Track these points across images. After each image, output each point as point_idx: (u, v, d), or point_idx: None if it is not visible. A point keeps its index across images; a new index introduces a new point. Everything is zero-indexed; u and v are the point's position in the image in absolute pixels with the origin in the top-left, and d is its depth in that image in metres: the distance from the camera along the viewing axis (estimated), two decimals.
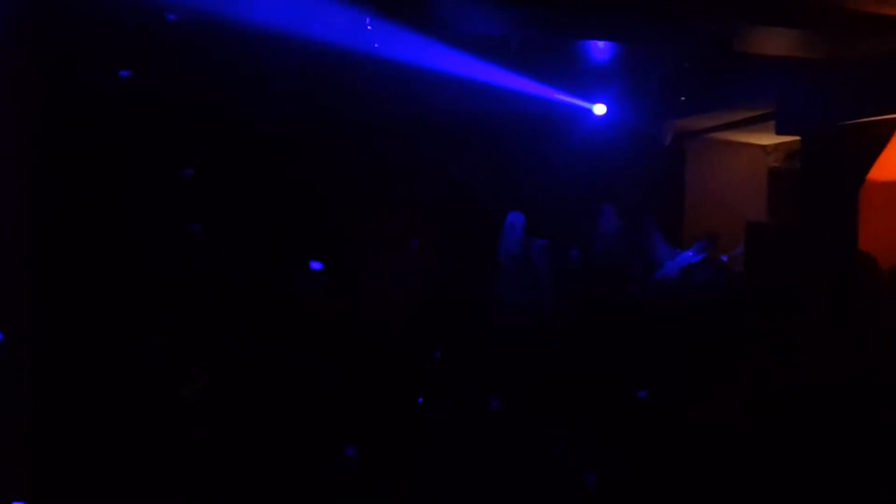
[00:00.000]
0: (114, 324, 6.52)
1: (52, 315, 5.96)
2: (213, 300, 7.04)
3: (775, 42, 6.08)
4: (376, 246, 7.88)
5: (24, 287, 5.60)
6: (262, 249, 7.48)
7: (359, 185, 8.21)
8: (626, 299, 7.85)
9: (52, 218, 6.06)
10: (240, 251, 7.32)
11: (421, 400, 6.79)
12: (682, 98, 7.92)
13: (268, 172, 7.72)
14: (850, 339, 6.40)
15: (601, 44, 7.05)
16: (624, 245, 8.62)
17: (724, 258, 8.19)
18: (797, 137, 7.80)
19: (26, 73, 5.68)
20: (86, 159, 6.57)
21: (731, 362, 6.72)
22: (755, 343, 6.94)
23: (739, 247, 8.20)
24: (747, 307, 7.21)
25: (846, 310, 6.40)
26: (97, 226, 6.59)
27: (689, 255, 8.19)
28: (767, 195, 9.04)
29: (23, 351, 5.49)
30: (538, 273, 8.17)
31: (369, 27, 6.41)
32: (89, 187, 6.57)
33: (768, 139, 8.81)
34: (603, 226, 8.75)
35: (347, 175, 8.14)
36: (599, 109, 8.52)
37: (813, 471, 5.70)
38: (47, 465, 5.44)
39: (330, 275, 7.48)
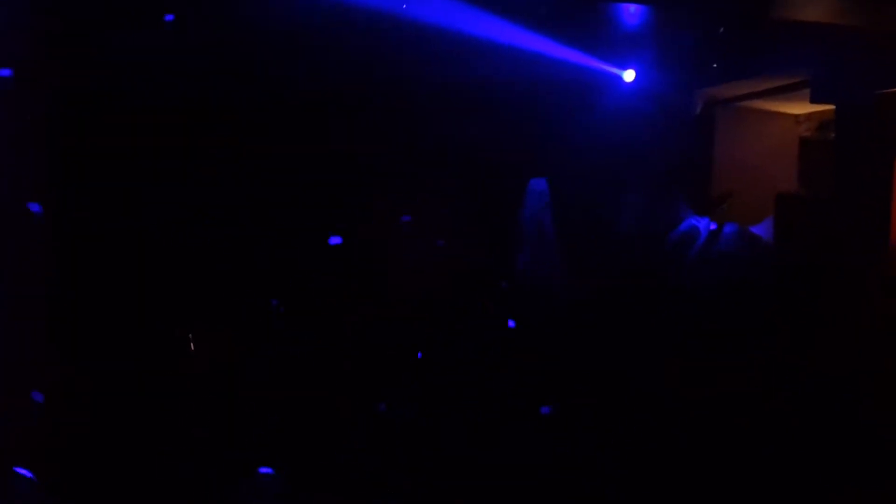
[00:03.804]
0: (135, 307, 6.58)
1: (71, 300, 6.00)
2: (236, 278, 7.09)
3: (813, 8, 5.95)
4: (397, 216, 7.85)
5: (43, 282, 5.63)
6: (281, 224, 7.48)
7: (380, 153, 8.15)
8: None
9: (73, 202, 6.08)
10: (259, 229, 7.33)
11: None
12: (714, 65, 7.76)
13: (292, 142, 7.68)
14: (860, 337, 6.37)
15: (632, 7, 6.92)
16: (649, 214, 8.52)
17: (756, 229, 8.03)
18: (830, 107, 7.67)
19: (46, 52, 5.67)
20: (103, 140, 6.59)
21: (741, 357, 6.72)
22: (768, 337, 6.93)
23: (761, 224, 8.08)
24: (766, 294, 7.15)
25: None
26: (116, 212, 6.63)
27: (694, 222, 7.98)
28: (798, 166, 8.89)
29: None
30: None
31: None
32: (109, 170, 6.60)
33: (800, 108, 8.64)
34: (628, 194, 8.65)
35: (369, 141, 8.07)
36: (629, 76, 8.38)
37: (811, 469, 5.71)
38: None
39: (353, 246, 7.47)
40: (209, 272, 7.05)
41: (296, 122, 7.63)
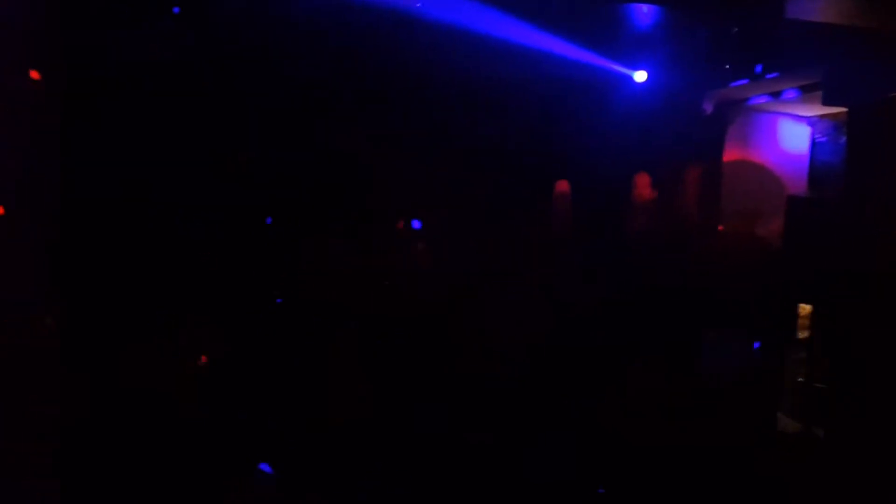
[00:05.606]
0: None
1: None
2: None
3: (826, 9, 5.93)
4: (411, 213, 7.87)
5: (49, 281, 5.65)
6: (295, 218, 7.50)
7: (391, 150, 8.16)
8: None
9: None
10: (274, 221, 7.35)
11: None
12: (727, 66, 7.74)
13: (298, 137, 7.70)
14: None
15: (644, 8, 6.92)
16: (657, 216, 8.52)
17: None
18: (842, 109, 7.64)
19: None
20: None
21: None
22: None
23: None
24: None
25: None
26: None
27: None
28: (810, 168, 8.86)
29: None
30: None
31: None
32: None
33: (812, 110, 8.62)
34: (637, 195, 8.65)
35: (380, 139, 8.08)
36: (640, 76, 8.37)
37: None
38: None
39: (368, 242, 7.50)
40: (211, 269, 7.08)
41: (306, 120, 7.66)
